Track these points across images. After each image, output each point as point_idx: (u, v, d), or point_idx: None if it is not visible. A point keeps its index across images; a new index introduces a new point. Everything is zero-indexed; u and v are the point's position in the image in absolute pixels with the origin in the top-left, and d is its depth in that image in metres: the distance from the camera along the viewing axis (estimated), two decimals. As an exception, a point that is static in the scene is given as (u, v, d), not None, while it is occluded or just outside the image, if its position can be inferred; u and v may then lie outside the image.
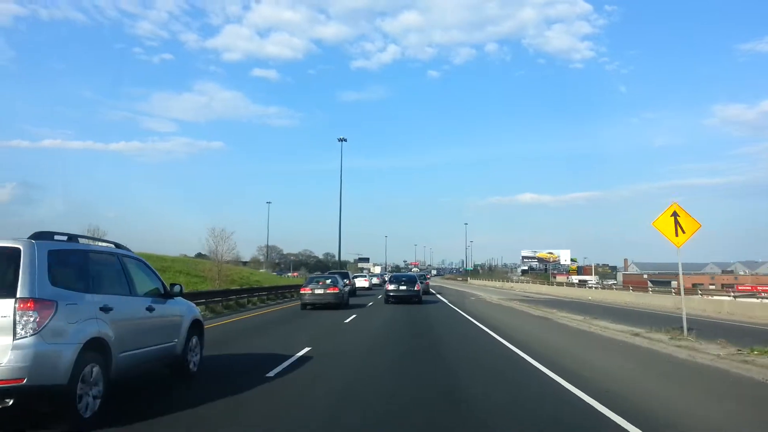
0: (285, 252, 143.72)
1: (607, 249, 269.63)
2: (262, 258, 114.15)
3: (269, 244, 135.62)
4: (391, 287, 28.83)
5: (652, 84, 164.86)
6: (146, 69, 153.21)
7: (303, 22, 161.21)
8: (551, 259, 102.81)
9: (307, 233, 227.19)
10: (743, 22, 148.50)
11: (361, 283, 50.26)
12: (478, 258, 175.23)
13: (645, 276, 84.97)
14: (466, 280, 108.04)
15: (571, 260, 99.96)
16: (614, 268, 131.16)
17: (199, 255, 57.38)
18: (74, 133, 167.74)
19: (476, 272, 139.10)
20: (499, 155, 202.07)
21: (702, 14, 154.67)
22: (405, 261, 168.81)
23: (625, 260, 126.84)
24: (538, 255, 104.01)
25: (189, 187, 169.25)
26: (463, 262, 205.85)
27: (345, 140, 70.51)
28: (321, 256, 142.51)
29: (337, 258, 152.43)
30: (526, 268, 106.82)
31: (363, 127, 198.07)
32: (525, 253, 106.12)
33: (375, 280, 62.09)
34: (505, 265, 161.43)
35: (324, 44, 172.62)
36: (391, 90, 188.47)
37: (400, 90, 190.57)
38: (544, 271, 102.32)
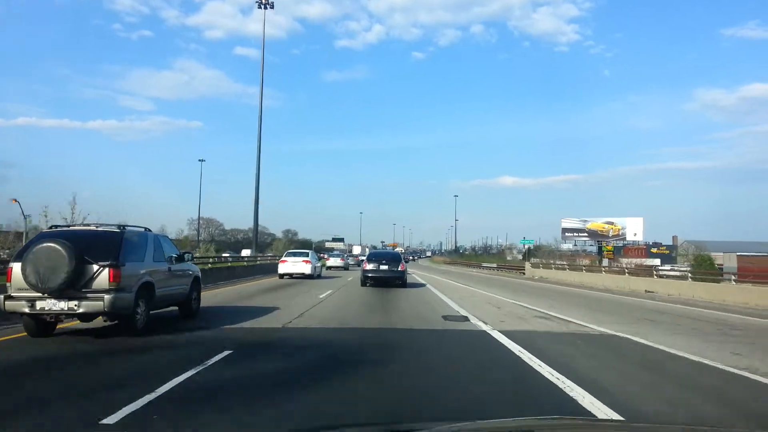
0: (227, 228, 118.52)
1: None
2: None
3: (212, 218, 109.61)
4: (369, 266, 24.32)
5: (636, 68, 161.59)
6: (125, 46, 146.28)
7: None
8: (611, 233, 65.75)
9: (279, 213, 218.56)
10: (728, 7, 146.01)
11: (296, 266, 27.88)
12: (461, 240, 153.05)
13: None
14: (522, 270, 50.14)
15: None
16: (672, 248, 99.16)
17: None
18: (50, 111, 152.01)
19: (468, 254, 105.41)
20: (483, 138, 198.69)
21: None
22: (382, 242, 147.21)
23: (674, 237, 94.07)
24: (589, 226, 66.37)
25: (161, 167, 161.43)
26: (441, 244, 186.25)
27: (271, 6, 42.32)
28: (279, 235, 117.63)
29: (299, 236, 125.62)
30: (569, 245, 70.37)
31: (346, 108, 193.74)
32: (567, 223, 67.57)
33: (338, 261, 32.23)
34: (488, 246, 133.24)
35: (308, 23, 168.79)
36: (376, 71, 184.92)
37: (384, 71, 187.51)
38: (598, 251, 65.70)
